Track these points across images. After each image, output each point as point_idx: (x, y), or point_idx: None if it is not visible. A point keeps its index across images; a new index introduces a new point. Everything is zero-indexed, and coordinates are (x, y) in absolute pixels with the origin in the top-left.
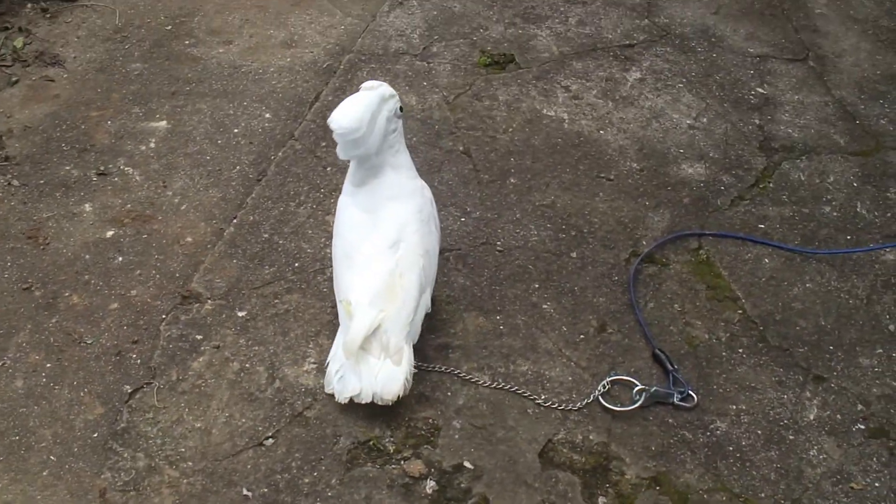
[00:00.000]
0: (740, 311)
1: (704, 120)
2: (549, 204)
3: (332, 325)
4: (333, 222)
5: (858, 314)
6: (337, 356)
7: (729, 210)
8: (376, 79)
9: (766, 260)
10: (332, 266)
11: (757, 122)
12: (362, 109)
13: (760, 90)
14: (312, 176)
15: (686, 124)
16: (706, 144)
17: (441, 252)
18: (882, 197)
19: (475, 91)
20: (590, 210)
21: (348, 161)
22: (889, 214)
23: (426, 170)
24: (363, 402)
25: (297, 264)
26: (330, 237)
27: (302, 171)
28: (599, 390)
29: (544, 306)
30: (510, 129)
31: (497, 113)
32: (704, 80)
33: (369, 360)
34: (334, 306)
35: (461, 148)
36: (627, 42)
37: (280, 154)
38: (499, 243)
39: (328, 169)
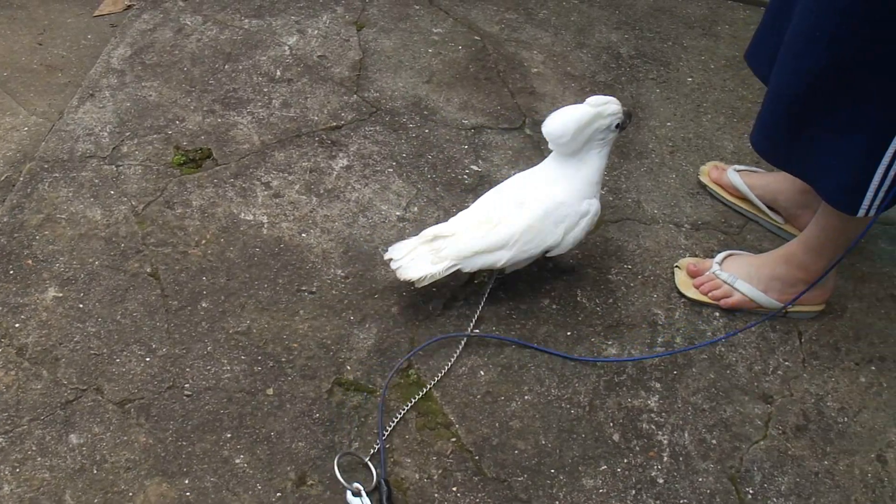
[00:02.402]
0: (454, 440)
1: (415, 209)
2: (245, 330)
3: None
4: None
5: (581, 426)
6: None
7: (442, 315)
8: (68, 189)
9: (482, 372)
10: None
11: (470, 204)
12: (572, 123)
13: (475, 167)
14: None
15: (395, 216)
16: None
17: (129, 402)
18: (603, 280)
19: (167, 197)
20: (289, 333)
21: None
22: (611, 300)
23: (108, 300)
24: (392, 267)
25: None
26: None
27: None
28: None
29: (237, 461)
30: (203, 242)
31: (190, 222)
32: (416, 161)
33: (421, 246)
34: None
35: (148, 270)
36: (334, 123)
37: None
38: (187, 386)
39: None
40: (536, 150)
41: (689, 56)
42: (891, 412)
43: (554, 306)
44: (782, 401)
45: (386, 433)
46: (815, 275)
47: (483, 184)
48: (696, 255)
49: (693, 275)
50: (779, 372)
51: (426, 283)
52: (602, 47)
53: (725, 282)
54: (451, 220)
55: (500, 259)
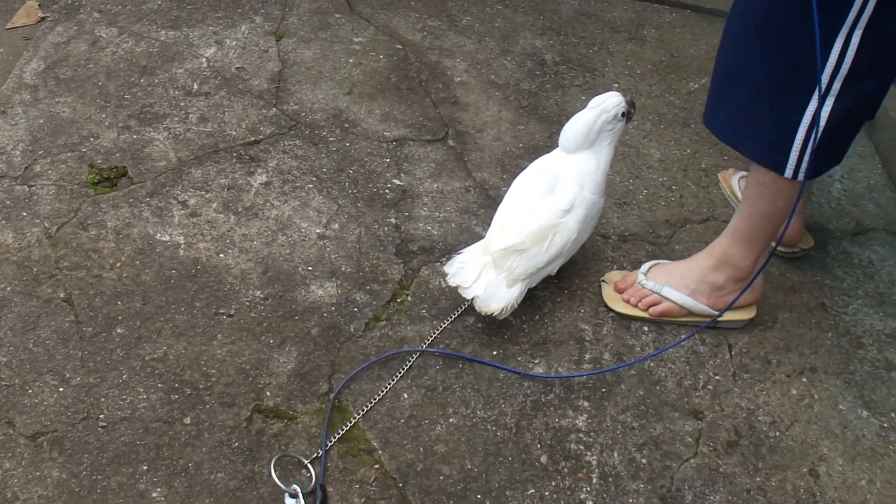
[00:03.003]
0: (377, 467)
1: (336, 226)
2: (161, 357)
3: None
4: None
5: (507, 448)
6: (470, 250)
7: (363, 337)
8: None
9: (405, 395)
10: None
11: (393, 221)
12: (581, 130)
13: (397, 181)
14: None
15: (316, 234)
16: (338, 257)
17: (42, 435)
18: (529, 296)
19: (81, 218)
20: (207, 358)
21: None
22: (537, 317)
23: (20, 328)
24: (465, 297)
25: None
26: None
27: None
28: None
29: (153, 495)
30: (118, 264)
31: (105, 244)
32: (337, 176)
33: (490, 271)
34: None
35: (62, 295)
36: (253, 138)
37: None
38: (102, 416)
39: None
40: (459, 161)
41: (615, 61)
42: (822, 425)
43: (479, 324)
44: (713, 416)
45: (330, 443)
46: (745, 273)
47: (405, 198)
48: (624, 268)
49: (620, 290)
50: (709, 386)
51: (506, 315)
52: (527, 54)
53: (652, 290)
54: (500, 227)
55: (555, 268)
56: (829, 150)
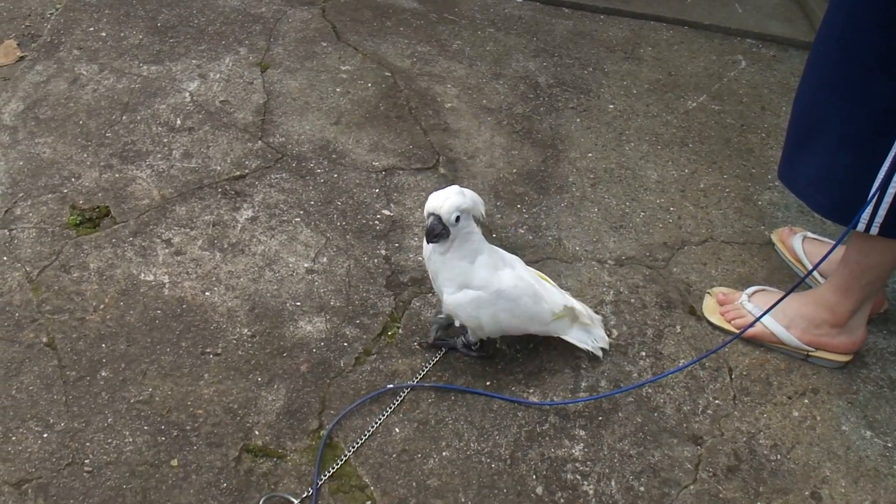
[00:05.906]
0: (370, 503)
1: (324, 260)
2: (147, 399)
3: None
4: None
5: (502, 480)
6: (595, 330)
7: (354, 371)
8: None
9: (397, 429)
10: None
11: (384, 252)
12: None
13: (387, 212)
14: None
15: (304, 268)
16: (327, 291)
17: (26, 482)
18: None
19: (63, 261)
20: (193, 399)
21: None
22: (531, 346)
23: (1, 375)
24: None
25: None
26: None
27: None
28: None
29: None
30: (102, 306)
31: (87, 286)
32: (325, 208)
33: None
34: None
35: (45, 340)
36: (238, 173)
37: None
38: (87, 461)
39: None
40: None
41: (611, 82)
42: (825, 446)
43: (472, 355)
44: (713, 441)
45: (322, 480)
46: (842, 318)
47: (395, 229)
48: (621, 292)
49: (721, 303)
50: (709, 411)
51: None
52: (519, 77)
53: (750, 312)
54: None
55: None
56: None
